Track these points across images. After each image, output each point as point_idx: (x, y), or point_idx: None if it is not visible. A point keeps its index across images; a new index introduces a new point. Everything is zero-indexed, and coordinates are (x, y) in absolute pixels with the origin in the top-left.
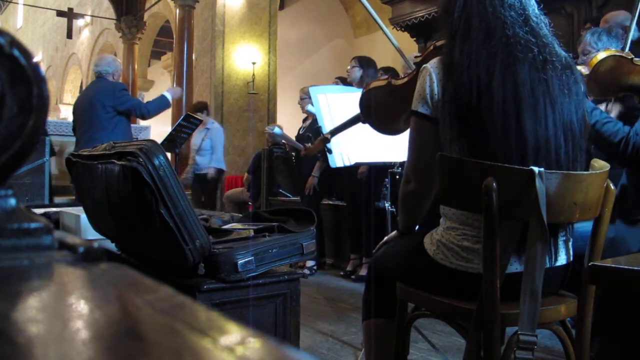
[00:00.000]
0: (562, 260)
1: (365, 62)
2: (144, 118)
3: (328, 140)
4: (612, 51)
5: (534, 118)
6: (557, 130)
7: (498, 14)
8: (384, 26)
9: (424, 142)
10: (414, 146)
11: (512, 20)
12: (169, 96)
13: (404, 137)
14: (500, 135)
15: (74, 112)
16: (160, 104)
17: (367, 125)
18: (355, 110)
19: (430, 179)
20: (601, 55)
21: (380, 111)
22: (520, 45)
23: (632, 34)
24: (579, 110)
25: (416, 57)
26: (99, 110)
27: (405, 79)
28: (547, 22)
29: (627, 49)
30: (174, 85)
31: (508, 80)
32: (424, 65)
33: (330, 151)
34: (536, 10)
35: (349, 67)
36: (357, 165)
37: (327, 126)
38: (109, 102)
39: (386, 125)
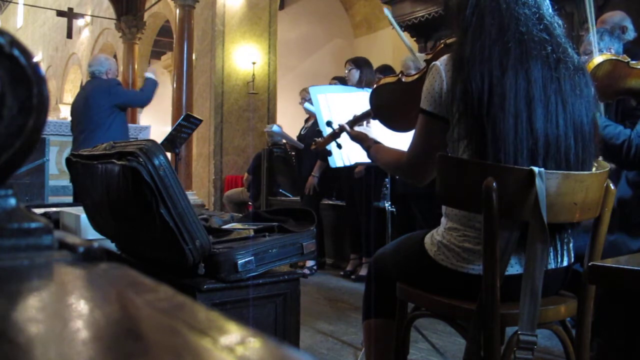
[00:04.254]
0: (564, 261)
1: (361, 62)
2: (144, 105)
3: (338, 135)
4: (608, 55)
5: (544, 116)
6: (567, 130)
7: (512, 10)
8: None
9: (428, 141)
10: (418, 142)
11: (526, 18)
12: (152, 75)
13: (405, 137)
14: (512, 132)
15: (71, 113)
16: (152, 86)
17: (368, 126)
18: (356, 109)
19: (423, 173)
20: (598, 59)
21: (391, 107)
22: (533, 42)
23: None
24: (589, 112)
25: (427, 54)
26: (95, 108)
27: (416, 76)
28: (560, 23)
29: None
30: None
31: (520, 76)
32: (433, 63)
33: (340, 146)
34: (550, 10)
35: (346, 71)
36: (356, 165)
37: (329, 130)
38: (105, 100)
39: (396, 121)
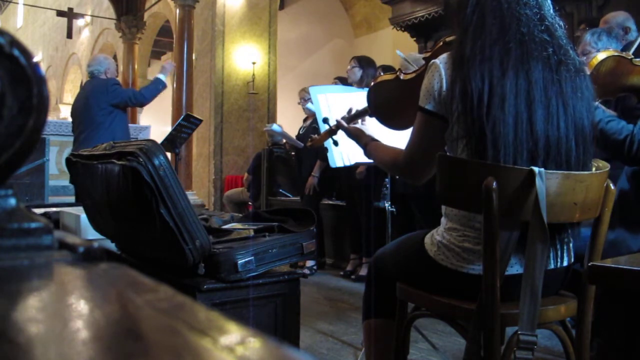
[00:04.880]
0: (564, 261)
1: (365, 62)
2: (142, 105)
3: (335, 132)
4: (611, 52)
5: (545, 118)
6: (568, 132)
7: (513, 10)
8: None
9: (426, 139)
10: (415, 140)
11: (527, 19)
12: (163, 77)
13: (405, 137)
14: (511, 133)
15: (72, 114)
16: (155, 88)
17: (369, 120)
18: (356, 109)
19: (420, 172)
20: (601, 55)
21: (388, 105)
22: (534, 43)
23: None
24: (590, 114)
25: (426, 52)
26: (95, 108)
27: (414, 74)
28: (562, 24)
29: (632, 51)
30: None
31: (521, 77)
32: (432, 61)
33: (336, 143)
34: (552, 11)
35: (348, 68)
36: (356, 165)
37: (326, 127)
38: (103, 99)
39: (393, 119)
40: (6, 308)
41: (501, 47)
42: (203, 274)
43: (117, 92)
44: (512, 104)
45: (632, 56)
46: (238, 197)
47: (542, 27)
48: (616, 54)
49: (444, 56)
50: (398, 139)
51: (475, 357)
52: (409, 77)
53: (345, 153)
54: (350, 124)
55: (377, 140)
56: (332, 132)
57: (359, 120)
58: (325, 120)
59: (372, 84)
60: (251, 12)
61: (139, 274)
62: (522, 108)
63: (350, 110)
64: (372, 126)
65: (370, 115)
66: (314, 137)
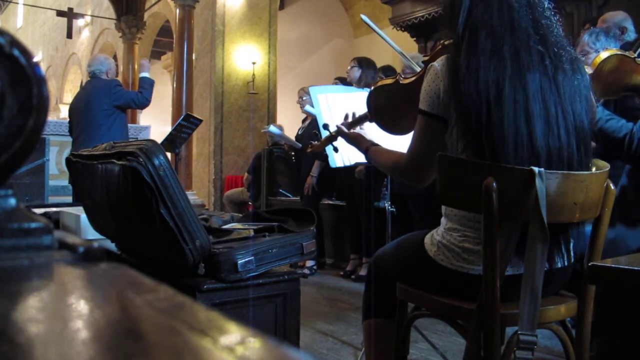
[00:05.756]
0: (564, 261)
1: (364, 63)
2: (144, 107)
3: (334, 139)
4: (614, 50)
5: (545, 129)
6: (569, 139)
7: (504, 22)
8: (389, 39)
9: (427, 142)
10: (417, 143)
11: (520, 29)
12: (147, 74)
13: (405, 138)
14: (512, 151)
15: (70, 113)
16: (151, 87)
17: (368, 125)
18: (357, 109)
19: (422, 175)
20: (604, 54)
21: (388, 110)
22: (529, 55)
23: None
24: (589, 113)
25: (425, 55)
26: (96, 108)
27: (413, 78)
28: (556, 19)
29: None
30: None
31: (518, 93)
32: (431, 64)
33: (336, 149)
34: (546, 13)
35: (348, 68)
36: (356, 165)
37: (326, 133)
38: (105, 100)
39: (393, 124)
40: (6, 308)
41: (496, 64)
42: (203, 274)
43: (120, 93)
44: (512, 121)
45: (635, 55)
46: (238, 197)
47: (537, 37)
48: (619, 52)
49: (442, 59)
50: (398, 143)
51: (475, 357)
52: (408, 81)
53: (345, 153)
54: (350, 130)
55: (377, 145)
56: (332, 138)
57: (358, 126)
58: (326, 127)
59: (372, 88)
60: (251, 12)
61: (139, 274)
62: (521, 125)
63: (348, 116)
64: (371, 131)
65: (371, 121)
66: (313, 143)
